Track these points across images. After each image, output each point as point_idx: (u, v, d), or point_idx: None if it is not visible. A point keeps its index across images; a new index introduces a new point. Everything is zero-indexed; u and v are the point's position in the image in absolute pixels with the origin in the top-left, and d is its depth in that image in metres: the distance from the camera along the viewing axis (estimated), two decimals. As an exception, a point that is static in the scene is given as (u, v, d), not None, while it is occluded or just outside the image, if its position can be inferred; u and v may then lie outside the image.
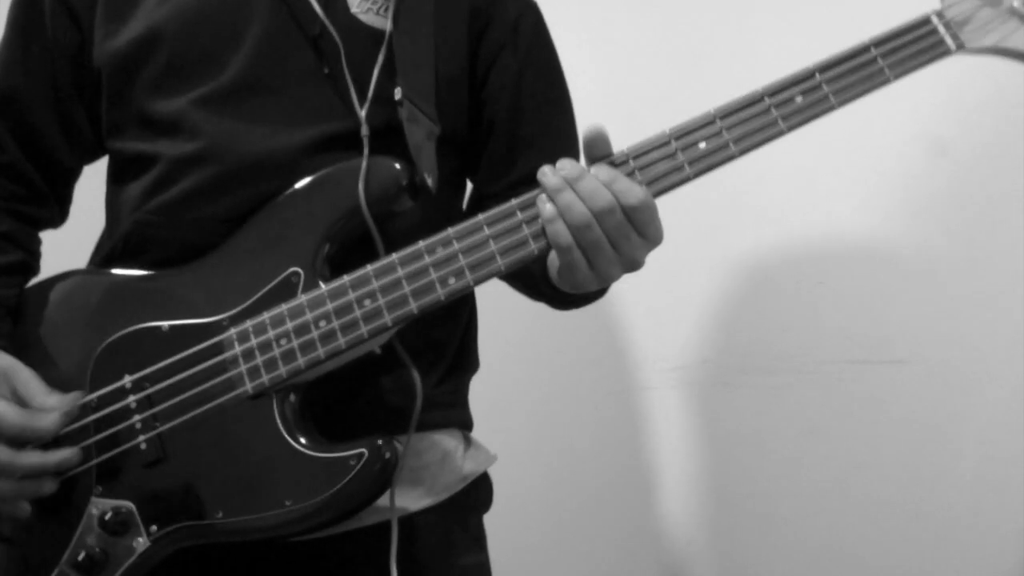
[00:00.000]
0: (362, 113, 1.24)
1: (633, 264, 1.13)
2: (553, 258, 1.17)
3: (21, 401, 1.20)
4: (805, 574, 1.87)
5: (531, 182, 1.14)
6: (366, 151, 1.21)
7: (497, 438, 1.49)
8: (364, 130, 1.23)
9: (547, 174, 1.13)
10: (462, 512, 1.37)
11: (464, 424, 1.42)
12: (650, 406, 1.99)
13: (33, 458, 1.17)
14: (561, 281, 1.20)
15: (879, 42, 1.13)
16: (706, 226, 1.89)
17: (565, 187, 1.11)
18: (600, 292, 1.31)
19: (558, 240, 1.11)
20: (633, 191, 1.10)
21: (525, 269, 1.24)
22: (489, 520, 1.44)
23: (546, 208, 1.11)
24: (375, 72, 1.27)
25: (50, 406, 1.19)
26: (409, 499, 1.28)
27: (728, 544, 1.95)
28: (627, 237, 1.11)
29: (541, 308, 1.45)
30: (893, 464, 1.80)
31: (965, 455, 1.75)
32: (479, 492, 1.41)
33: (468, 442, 1.42)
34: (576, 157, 1.41)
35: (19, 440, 1.18)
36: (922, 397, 1.78)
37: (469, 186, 1.47)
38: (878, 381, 1.81)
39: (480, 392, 1.47)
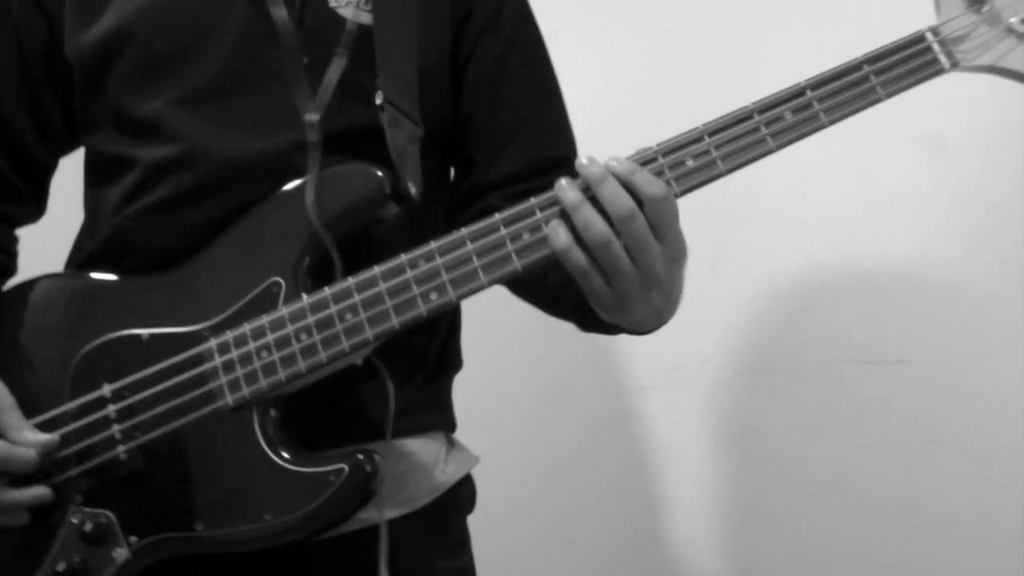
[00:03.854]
0: (314, 117, 1.20)
1: (652, 280, 1.08)
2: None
3: None
4: (805, 574, 1.87)
5: (523, 177, 1.11)
6: (318, 156, 1.19)
7: (492, 438, 1.49)
8: (313, 135, 1.20)
9: (564, 188, 1.07)
10: (445, 515, 1.36)
11: (447, 426, 1.40)
12: (649, 406, 1.99)
13: (5, 494, 1.17)
14: (597, 310, 1.15)
15: (872, 59, 1.10)
16: (705, 226, 1.87)
17: (583, 203, 1.06)
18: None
19: (575, 266, 1.07)
20: (656, 183, 1.06)
21: (553, 291, 1.27)
22: (480, 521, 1.44)
23: (560, 238, 1.07)
24: (340, 73, 1.24)
25: (29, 442, 1.18)
26: (391, 504, 1.26)
27: (727, 544, 1.94)
28: (647, 248, 1.06)
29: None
30: (893, 464, 1.80)
31: (965, 455, 1.74)
32: (462, 494, 1.40)
33: (451, 444, 1.40)
34: (567, 149, 1.37)
35: None
36: (922, 397, 1.78)
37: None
38: (878, 381, 1.80)
39: (475, 392, 1.47)
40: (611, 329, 1.24)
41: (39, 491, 1.18)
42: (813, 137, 1.18)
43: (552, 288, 1.31)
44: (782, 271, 1.88)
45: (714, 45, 1.93)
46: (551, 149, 1.37)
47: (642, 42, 2.00)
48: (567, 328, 1.91)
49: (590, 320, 1.25)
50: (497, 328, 1.57)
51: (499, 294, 1.44)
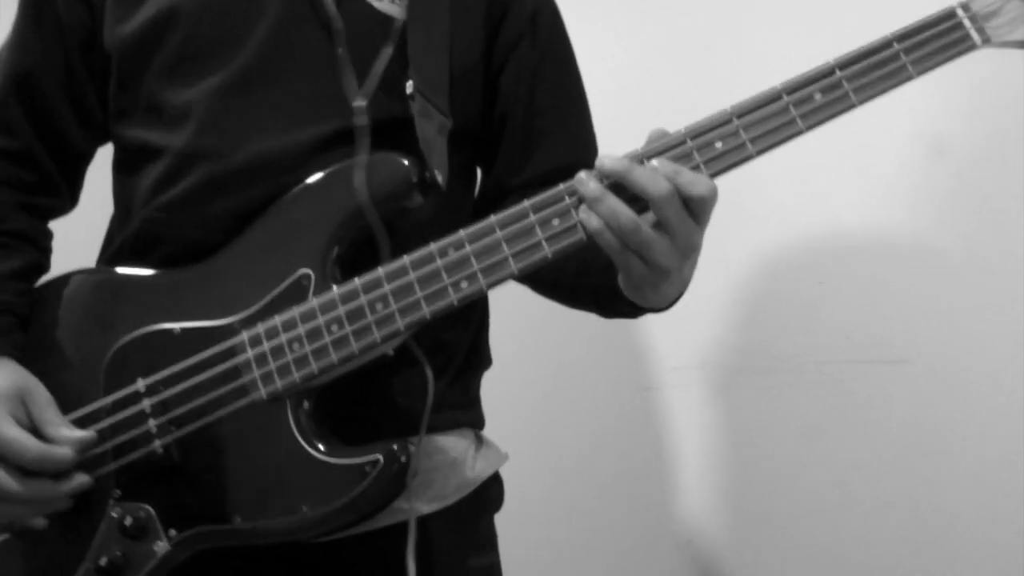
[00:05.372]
0: (362, 103, 1.22)
1: (691, 249, 1.08)
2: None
3: (35, 424, 1.20)
4: (805, 574, 1.87)
5: (547, 181, 1.12)
6: (367, 141, 1.20)
7: (502, 436, 1.48)
8: (362, 120, 1.21)
9: (584, 181, 1.08)
10: (473, 513, 1.36)
11: (476, 423, 1.41)
12: (649, 406, 1.99)
13: (46, 487, 1.18)
14: (628, 290, 1.16)
15: (902, 37, 1.08)
16: (705, 226, 1.88)
17: (604, 193, 1.06)
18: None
19: (610, 248, 1.07)
20: (701, 182, 1.06)
21: (569, 281, 1.27)
22: (497, 519, 1.44)
23: (592, 221, 1.07)
24: (386, 63, 1.25)
25: (66, 439, 1.18)
26: (421, 501, 1.27)
27: (727, 544, 1.95)
28: (685, 222, 1.06)
29: (545, 307, 1.45)
30: (893, 464, 1.79)
31: (965, 455, 1.74)
32: (490, 492, 1.40)
33: (480, 441, 1.41)
34: (593, 155, 1.38)
35: (32, 470, 1.17)
36: (922, 397, 1.77)
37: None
38: (878, 381, 1.80)
39: (487, 390, 1.46)
40: (634, 312, 1.25)
41: (79, 481, 1.19)
42: (815, 137, 1.18)
43: (569, 279, 1.32)
44: (782, 271, 1.88)
45: (722, 48, 1.92)
46: (577, 154, 1.37)
47: (650, 43, 2.00)
48: (564, 329, 1.90)
49: (610, 307, 1.28)
50: (503, 328, 1.56)
51: (498, 295, 1.43)
